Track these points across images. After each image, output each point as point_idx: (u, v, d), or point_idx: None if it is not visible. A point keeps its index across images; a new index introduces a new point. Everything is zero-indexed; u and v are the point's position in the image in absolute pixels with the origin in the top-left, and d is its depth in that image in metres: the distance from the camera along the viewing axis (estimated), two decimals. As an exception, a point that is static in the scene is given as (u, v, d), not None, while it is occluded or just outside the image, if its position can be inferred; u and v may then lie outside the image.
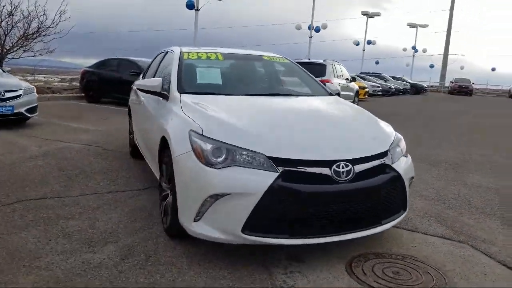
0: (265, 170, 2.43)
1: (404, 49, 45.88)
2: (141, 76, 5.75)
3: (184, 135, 2.74)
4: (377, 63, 46.13)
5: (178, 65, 3.80)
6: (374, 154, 2.74)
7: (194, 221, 2.57)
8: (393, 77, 34.01)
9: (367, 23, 37.70)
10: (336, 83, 11.99)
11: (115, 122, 8.91)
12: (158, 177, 3.64)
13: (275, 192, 2.37)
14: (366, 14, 37.61)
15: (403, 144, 3.12)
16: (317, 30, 27.64)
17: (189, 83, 3.64)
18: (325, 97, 3.93)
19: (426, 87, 39.17)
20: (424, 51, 45.20)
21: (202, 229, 2.55)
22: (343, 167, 2.53)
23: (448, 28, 50.45)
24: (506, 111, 20.06)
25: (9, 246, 2.85)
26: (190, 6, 18.14)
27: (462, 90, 37.56)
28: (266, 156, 2.48)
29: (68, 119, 9.10)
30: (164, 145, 3.18)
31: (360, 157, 2.65)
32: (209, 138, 2.60)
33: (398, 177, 2.77)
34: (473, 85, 39.42)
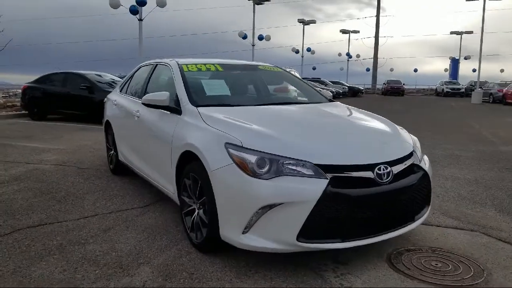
0: (314, 177, 2.46)
1: (339, 54, 48.06)
2: (118, 90, 5.52)
3: (220, 148, 2.69)
4: (314, 68, 47.75)
5: (182, 78, 3.71)
6: (405, 155, 2.88)
7: (243, 234, 2.53)
8: (332, 82, 35.45)
9: (303, 30, 39.01)
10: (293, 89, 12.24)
11: (73, 139, 8.44)
12: (170, 193, 3.52)
13: (327, 198, 2.40)
14: (302, 21, 38.91)
15: (419, 144, 3.30)
16: (260, 38, 28.10)
17: (199, 95, 3.57)
18: (330, 103, 4.03)
19: (362, 90, 41.22)
20: (358, 56, 47.62)
21: (252, 241, 2.51)
22: (383, 170, 2.63)
23: (376, 33, 53.85)
24: (440, 108, 21.62)
25: (35, 278, 2.61)
26: (134, 11, 17.63)
27: (395, 90, 40.04)
28: (313, 164, 2.50)
29: (20, 138, 8.48)
30: (186, 160, 3.09)
31: (395, 159, 2.77)
32: (252, 150, 2.57)
33: (425, 175, 2.93)
34: (404, 85, 42.15)
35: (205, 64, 4.08)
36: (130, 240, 3.23)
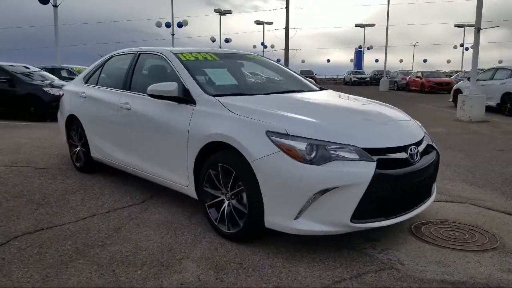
0: (363, 160, 2.59)
1: (254, 46, 48.85)
2: (81, 81, 5.12)
3: (260, 137, 2.70)
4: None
5: (185, 67, 3.59)
6: (422, 136, 3.16)
7: (295, 219, 2.59)
8: (250, 73, 35.93)
9: (220, 20, 38.94)
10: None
11: (5, 137, 7.61)
12: (181, 186, 3.43)
13: (376, 180, 2.55)
14: (218, 11, 38.77)
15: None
16: (179, 25, 27.43)
17: (211, 85, 3.50)
18: (327, 91, 4.19)
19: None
20: (272, 46, 48.83)
21: (305, 225, 2.58)
22: (414, 150, 2.86)
23: (286, 25, 55.58)
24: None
25: (75, 286, 2.41)
26: (45, 0, 16.18)
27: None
28: (360, 148, 2.64)
29: None
30: (209, 151, 3.04)
31: (418, 140, 3.02)
32: (299, 137, 2.62)
33: (437, 153, 3.24)
34: (315, 75, 44.29)
35: (199, 53, 3.98)
36: (152, 237, 3.09)
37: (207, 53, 4.05)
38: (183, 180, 3.39)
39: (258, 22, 46.02)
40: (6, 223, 3.38)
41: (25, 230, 3.24)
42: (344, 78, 45.64)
